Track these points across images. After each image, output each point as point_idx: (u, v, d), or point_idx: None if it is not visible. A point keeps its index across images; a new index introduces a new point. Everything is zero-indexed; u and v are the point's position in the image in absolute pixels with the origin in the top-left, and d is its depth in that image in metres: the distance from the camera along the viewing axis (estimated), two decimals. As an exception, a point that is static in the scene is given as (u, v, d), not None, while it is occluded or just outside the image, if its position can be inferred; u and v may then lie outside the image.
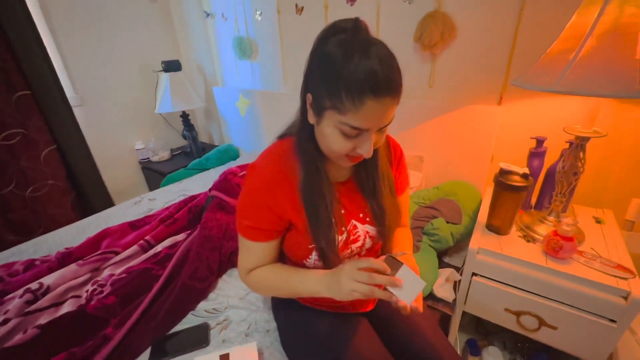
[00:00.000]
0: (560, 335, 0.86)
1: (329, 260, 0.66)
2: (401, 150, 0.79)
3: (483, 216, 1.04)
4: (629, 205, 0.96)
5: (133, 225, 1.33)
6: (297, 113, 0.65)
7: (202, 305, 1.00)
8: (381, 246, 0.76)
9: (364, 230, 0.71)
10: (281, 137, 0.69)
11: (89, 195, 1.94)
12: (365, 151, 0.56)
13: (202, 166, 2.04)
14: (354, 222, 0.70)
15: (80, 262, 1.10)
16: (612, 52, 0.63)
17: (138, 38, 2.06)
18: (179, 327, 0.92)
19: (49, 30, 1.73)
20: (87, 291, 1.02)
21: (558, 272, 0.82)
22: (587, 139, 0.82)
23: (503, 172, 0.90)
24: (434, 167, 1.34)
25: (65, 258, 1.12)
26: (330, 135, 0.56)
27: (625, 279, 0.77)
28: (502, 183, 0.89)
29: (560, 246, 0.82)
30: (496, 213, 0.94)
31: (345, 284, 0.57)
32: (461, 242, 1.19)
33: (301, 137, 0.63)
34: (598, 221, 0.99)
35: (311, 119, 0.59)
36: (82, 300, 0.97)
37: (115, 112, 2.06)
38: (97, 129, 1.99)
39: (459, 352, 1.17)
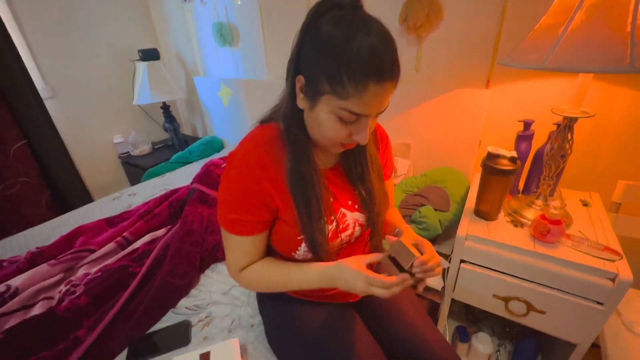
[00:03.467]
0: (548, 319, 0.85)
1: (319, 251, 0.63)
2: (386, 134, 0.76)
3: (471, 202, 1.02)
4: (615, 187, 0.95)
5: (110, 222, 1.27)
6: (280, 96, 0.61)
7: (183, 302, 0.96)
8: (370, 233, 0.73)
9: (353, 218, 0.68)
10: (263, 122, 0.65)
11: (66, 193, 1.86)
12: (362, 138, 0.53)
13: (185, 159, 1.97)
14: (342, 210, 0.67)
15: (52, 261, 1.04)
16: (602, 25, 0.60)
17: (112, 25, 1.95)
18: (159, 326, 0.88)
19: (13, 17, 1.61)
20: (60, 292, 0.97)
21: (546, 256, 0.81)
22: (575, 119, 0.79)
23: (491, 156, 0.87)
24: (421, 154, 1.31)
25: (36, 258, 1.06)
26: (326, 121, 0.52)
27: (613, 260, 0.76)
28: (490, 167, 0.86)
29: (547, 230, 0.81)
30: (484, 198, 0.92)
31: (361, 287, 0.56)
32: (449, 230, 1.17)
33: (289, 124, 0.58)
34: (585, 204, 0.98)
35: (301, 103, 0.54)
36: (54, 302, 0.91)
37: (90, 104, 1.96)
38: (71, 122, 1.89)
39: (448, 340, 1.16)
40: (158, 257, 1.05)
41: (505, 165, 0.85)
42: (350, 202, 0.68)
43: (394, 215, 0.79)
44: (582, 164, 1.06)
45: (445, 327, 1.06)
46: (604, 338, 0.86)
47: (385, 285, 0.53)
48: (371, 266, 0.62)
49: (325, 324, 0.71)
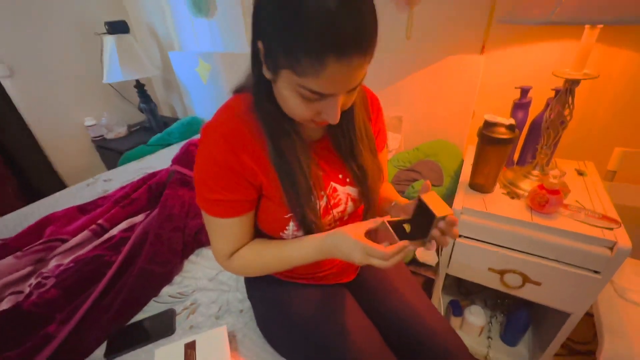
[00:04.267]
0: (543, 290, 0.84)
1: (311, 230, 0.58)
2: (379, 102, 0.69)
3: (466, 175, 0.99)
4: (610, 155, 0.93)
5: (82, 209, 1.18)
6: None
7: (166, 290, 0.90)
8: (364, 209, 0.68)
9: (345, 192, 0.62)
10: (238, 91, 0.57)
11: (36, 181, 1.73)
12: (331, 117, 0.46)
13: (165, 141, 1.86)
14: (333, 184, 0.61)
15: (19, 253, 0.96)
16: (615, -30, 0.54)
17: (72, -6, 1.76)
18: (141, 317, 0.83)
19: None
20: (29, 285, 0.89)
21: (544, 227, 0.78)
22: (577, 82, 0.75)
23: (488, 125, 0.82)
24: (413, 128, 1.26)
25: (0, 251, 0.97)
26: (289, 99, 0.45)
27: (611, 229, 0.74)
28: (487, 136, 0.82)
29: (546, 200, 0.78)
30: (480, 170, 0.88)
31: (359, 258, 0.51)
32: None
33: (258, 96, 0.51)
34: (580, 173, 0.96)
35: (267, 73, 0.47)
36: (21, 298, 0.84)
37: (55, 83, 1.80)
38: (35, 103, 1.73)
39: (441, 313, 1.16)
40: (136, 244, 0.97)
41: (503, 133, 0.80)
42: (341, 176, 0.62)
43: (388, 190, 0.74)
44: (577, 132, 1.03)
45: (440, 302, 1.05)
46: (597, 306, 0.86)
47: (384, 257, 0.48)
48: (370, 235, 0.57)
49: (317, 306, 0.68)
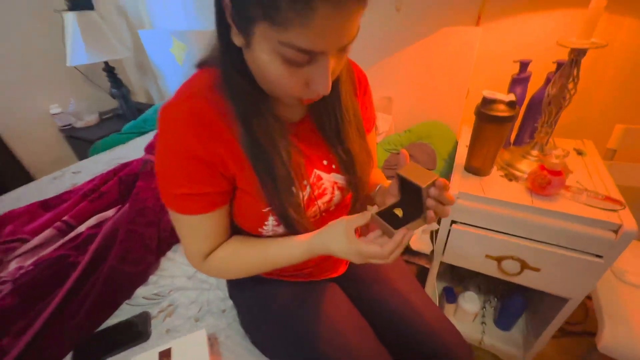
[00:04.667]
0: (542, 276, 0.81)
1: (293, 225, 0.51)
2: (366, 78, 0.61)
3: (461, 158, 0.93)
4: (611, 133, 0.88)
5: (45, 205, 1.07)
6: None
7: (140, 292, 0.82)
8: (352, 198, 0.61)
9: (330, 181, 0.55)
10: (202, 66, 0.48)
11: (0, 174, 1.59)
12: (322, 87, 0.38)
13: (139, 129, 1.73)
14: (317, 172, 0.54)
15: (-28, 256, 0.86)
16: None
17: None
18: (112, 322, 0.75)
19: None
20: (-15, 292, 0.80)
21: (544, 211, 0.74)
22: (584, 52, 0.68)
23: (486, 102, 0.76)
24: (404, 108, 1.18)
25: (-51, 254, 0.86)
26: (269, 65, 0.37)
27: (615, 210, 0.70)
28: (485, 115, 0.75)
29: (548, 182, 0.73)
30: (477, 151, 0.82)
31: (358, 261, 0.47)
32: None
33: (226, 68, 0.43)
34: (579, 153, 0.91)
35: (237, 38, 0.38)
36: (-26, 306, 0.74)
37: (14, 67, 1.63)
38: (-10, 90, 1.57)
39: (436, 303, 1.12)
40: (105, 242, 0.88)
41: (503, 111, 0.74)
42: (325, 162, 0.55)
43: (377, 176, 0.68)
44: (576, 109, 0.97)
45: (435, 292, 1.01)
46: (595, 289, 0.83)
47: (384, 256, 0.43)
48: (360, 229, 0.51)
49: (305, 304, 0.62)
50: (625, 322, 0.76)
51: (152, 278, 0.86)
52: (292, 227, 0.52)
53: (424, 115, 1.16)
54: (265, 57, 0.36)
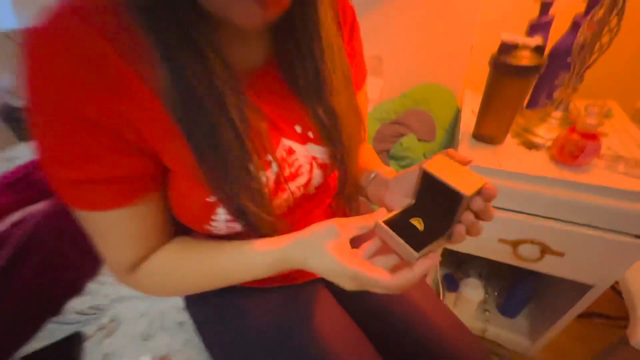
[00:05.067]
0: (566, 261, 0.68)
1: (252, 219, 0.35)
2: (352, 8, 0.44)
3: (467, 125, 0.77)
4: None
5: (-47, 199, 0.85)
6: None
7: (72, 306, 0.65)
8: (339, 180, 0.45)
9: (306, 155, 0.39)
10: None
11: None
12: None
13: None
14: (286, 142, 0.37)
15: None
16: None
17: None
18: (33, 347, 0.58)
19: None
20: None
21: (576, 184, 0.60)
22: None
23: (506, 48, 0.59)
24: (397, 70, 1.01)
25: None
26: None
27: (662, 180, 0.57)
28: (505, 64, 0.59)
29: (581, 148, 0.58)
30: (491, 115, 0.67)
31: (352, 288, 0.33)
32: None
33: None
34: (606, 115, 0.78)
35: None
36: None
37: None
38: None
39: (436, 291, 1.00)
40: (28, 242, 0.69)
41: (528, 59, 0.58)
42: (299, 129, 0.38)
43: (367, 155, 0.52)
44: (598, 62, 0.83)
45: (439, 282, 0.88)
46: (625, 276, 0.72)
47: (389, 288, 0.31)
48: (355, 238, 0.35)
49: (283, 314, 0.47)
50: (659, 311, 0.65)
51: (89, 286, 0.68)
52: (252, 225, 0.36)
53: (421, 78, 0.98)
54: None
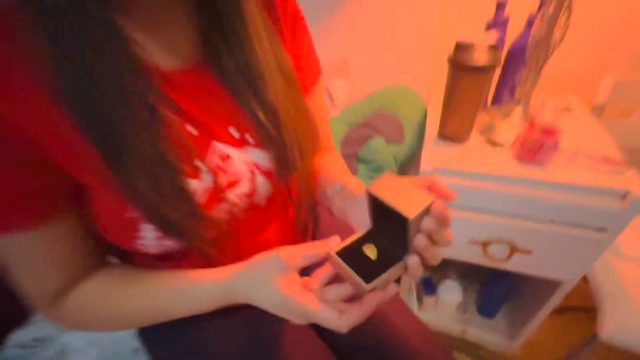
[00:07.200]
0: (533, 259, 0.68)
1: (184, 234, 0.32)
2: (294, 2, 0.41)
3: (432, 124, 0.76)
4: (598, 84, 0.76)
5: None
6: None
7: (16, 337, 0.59)
8: (295, 191, 0.42)
9: (244, 160, 0.36)
10: None
11: None
12: None
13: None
14: (219, 146, 0.34)
15: None
16: None
17: None
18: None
19: None
20: None
21: (535, 182, 0.59)
22: (581, -29, 0.53)
23: (461, 48, 0.59)
24: (363, 72, 1.00)
25: None
26: None
27: (620, 173, 0.57)
28: (460, 64, 0.58)
29: (540, 144, 0.58)
30: (453, 112, 0.66)
31: (299, 322, 0.32)
32: (405, 166, 0.93)
33: None
34: (565, 110, 0.78)
35: None
36: None
37: None
38: None
39: (414, 296, 0.99)
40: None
41: (482, 59, 0.57)
42: (234, 130, 0.35)
43: (331, 162, 0.49)
44: (557, 59, 0.84)
45: (412, 287, 0.86)
46: (593, 270, 0.72)
47: (341, 327, 0.29)
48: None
49: (248, 335, 0.43)
50: (627, 301, 0.65)
51: (33, 316, 0.62)
52: (187, 241, 0.33)
53: (388, 79, 0.98)
54: None
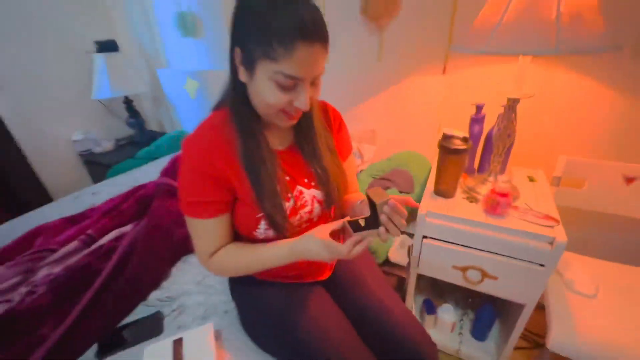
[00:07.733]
0: (500, 284, 0.94)
1: (279, 227, 0.66)
2: (339, 115, 0.79)
3: (431, 182, 1.09)
4: (556, 163, 1.05)
5: (72, 220, 1.22)
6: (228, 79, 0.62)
7: (155, 295, 0.95)
8: (334, 212, 0.77)
9: (310, 195, 0.71)
10: (216, 108, 0.66)
11: (23, 194, 1.75)
12: (302, 103, 0.56)
13: (152, 155, 1.91)
14: (299, 188, 0.70)
15: (10, 263, 0.99)
16: (531, 14, 0.66)
17: (61, 13, 1.83)
18: (130, 319, 0.87)
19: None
20: (20, 294, 0.92)
21: (495, 227, 0.89)
22: (517, 100, 0.87)
23: (446, 137, 0.94)
24: (386, 139, 1.37)
25: (-10, 261, 1.00)
26: (266, 88, 0.54)
27: (552, 227, 0.85)
28: (445, 147, 0.93)
29: (497, 202, 0.88)
30: (442, 177, 0.99)
31: (327, 255, 0.59)
32: (415, 211, 1.24)
33: (234, 100, 0.61)
34: (531, 179, 1.08)
35: (243, 76, 0.57)
36: (14, 304, 0.87)
37: (43, 99, 1.83)
38: (23, 118, 1.76)
39: (416, 312, 1.24)
40: (125, 253, 1.02)
41: (458, 145, 0.91)
42: (306, 180, 0.71)
43: (354, 195, 0.82)
44: (528, 142, 1.16)
45: (413, 300, 1.13)
46: (547, 298, 0.96)
47: (342, 251, 0.57)
48: (337, 234, 0.65)
49: (293, 301, 0.74)
50: (570, 325, 0.88)
51: (164, 283, 0.99)
52: (279, 229, 0.66)
53: (403, 146, 1.34)
54: (263, 83, 0.54)
